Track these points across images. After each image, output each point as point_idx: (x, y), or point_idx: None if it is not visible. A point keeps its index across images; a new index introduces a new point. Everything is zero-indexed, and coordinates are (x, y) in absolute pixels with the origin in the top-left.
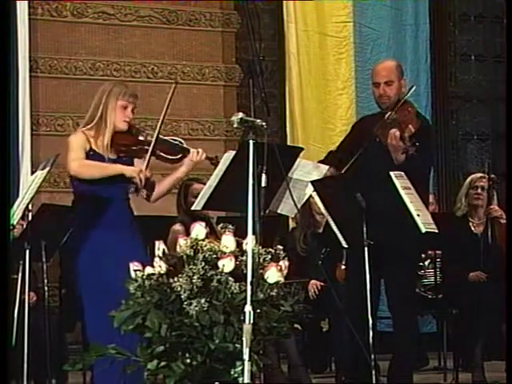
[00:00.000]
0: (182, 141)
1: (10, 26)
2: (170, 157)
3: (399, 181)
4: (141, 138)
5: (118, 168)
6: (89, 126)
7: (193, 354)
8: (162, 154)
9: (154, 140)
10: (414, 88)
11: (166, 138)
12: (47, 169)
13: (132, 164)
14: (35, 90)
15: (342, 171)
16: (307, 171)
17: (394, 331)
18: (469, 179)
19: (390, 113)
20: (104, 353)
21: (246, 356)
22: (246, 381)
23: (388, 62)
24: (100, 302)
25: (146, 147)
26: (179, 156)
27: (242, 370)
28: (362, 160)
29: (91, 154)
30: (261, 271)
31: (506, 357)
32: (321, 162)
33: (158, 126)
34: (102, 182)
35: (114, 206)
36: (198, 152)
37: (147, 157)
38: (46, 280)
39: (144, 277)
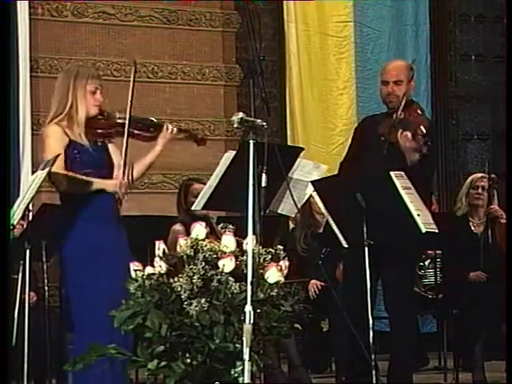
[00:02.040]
0: (153, 118)
1: (10, 25)
2: (147, 134)
3: (399, 181)
4: (113, 120)
5: (100, 184)
6: (60, 117)
7: (193, 353)
8: (137, 132)
9: (127, 120)
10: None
11: (137, 116)
12: (47, 169)
13: (107, 151)
14: (36, 89)
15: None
16: (307, 171)
17: (392, 331)
18: (469, 179)
19: (397, 113)
20: (104, 353)
21: (246, 356)
22: (246, 381)
23: (399, 61)
24: (88, 299)
25: (120, 129)
26: (155, 133)
27: (242, 369)
28: (370, 160)
29: (72, 146)
30: (261, 271)
31: (506, 357)
32: (337, 175)
33: (128, 105)
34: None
35: (98, 198)
36: (167, 127)
37: (124, 140)
38: (46, 280)
39: (144, 277)
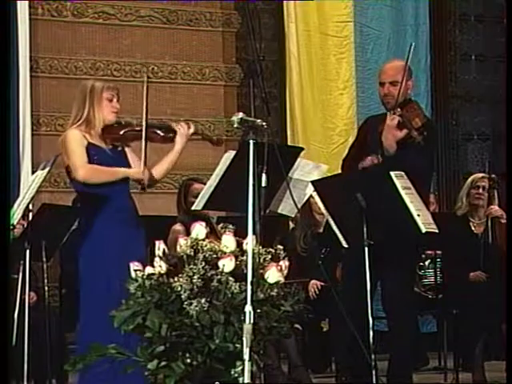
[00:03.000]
0: (170, 123)
1: (10, 25)
2: (164, 135)
3: (399, 181)
4: (131, 126)
5: (124, 172)
6: (78, 123)
7: (193, 353)
8: (155, 135)
9: (144, 121)
10: (413, 45)
11: (153, 121)
12: (47, 169)
13: (125, 155)
14: (36, 89)
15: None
16: (307, 171)
17: (390, 331)
18: (470, 179)
19: (393, 110)
20: (104, 353)
21: (246, 356)
22: (246, 381)
23: (396, 61)
24: (100, 298)
25: (138, 129)
26: (171, 134)
27: (243, 369)
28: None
29: (90, 148)
30: (261, 271)
31: (506, 357)
32: (338, 175)
33: (144, 109)
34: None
35: (116, 201)
36: (183, 126)
37: (142, 145)
38: (46, 280)
39: (144, 277)
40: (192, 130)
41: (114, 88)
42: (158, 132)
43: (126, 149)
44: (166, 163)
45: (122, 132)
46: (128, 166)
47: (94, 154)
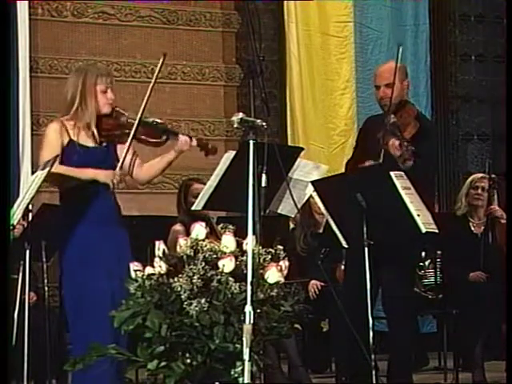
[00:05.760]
0: (162, 122)
1: (10, 26)
2: (154, 140)
3: (399, 181)
4: (122, 120)
5: (91, 173)
6: (68, 116)
7: (193, 353)
8: (145, 137)
9: (135, 125)
10: (401, 48)
11: (148, 120)
12: (47, 169)
13: (115, 150)
14: (35, 90)
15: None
16: (307, 171)
17: (389, 331)
18: (470, 179)
19: (388, 117)
20: (104, 353)
21: (246, 356)
22: (246, 381)
23: (390, 63)
24: (84, 302)
25: (128, 131)
26: (164, 138)
27: (242, 370)
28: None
29: (70, 146)
30: (261, 271)
31: (506, 357)
32: (343, 173)
33: (142, 108)
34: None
35: (99, 199)
36: (185, 141)
37: (127, 143)
38: (46, 280)
39: (144, 277)
40: (194, 144)
41: (109, 76)
42: (152, 133)
43: (118, 145)
44: (154, 168)
45: (116, 131)
46: (115, 162)
47: (72, 153)
